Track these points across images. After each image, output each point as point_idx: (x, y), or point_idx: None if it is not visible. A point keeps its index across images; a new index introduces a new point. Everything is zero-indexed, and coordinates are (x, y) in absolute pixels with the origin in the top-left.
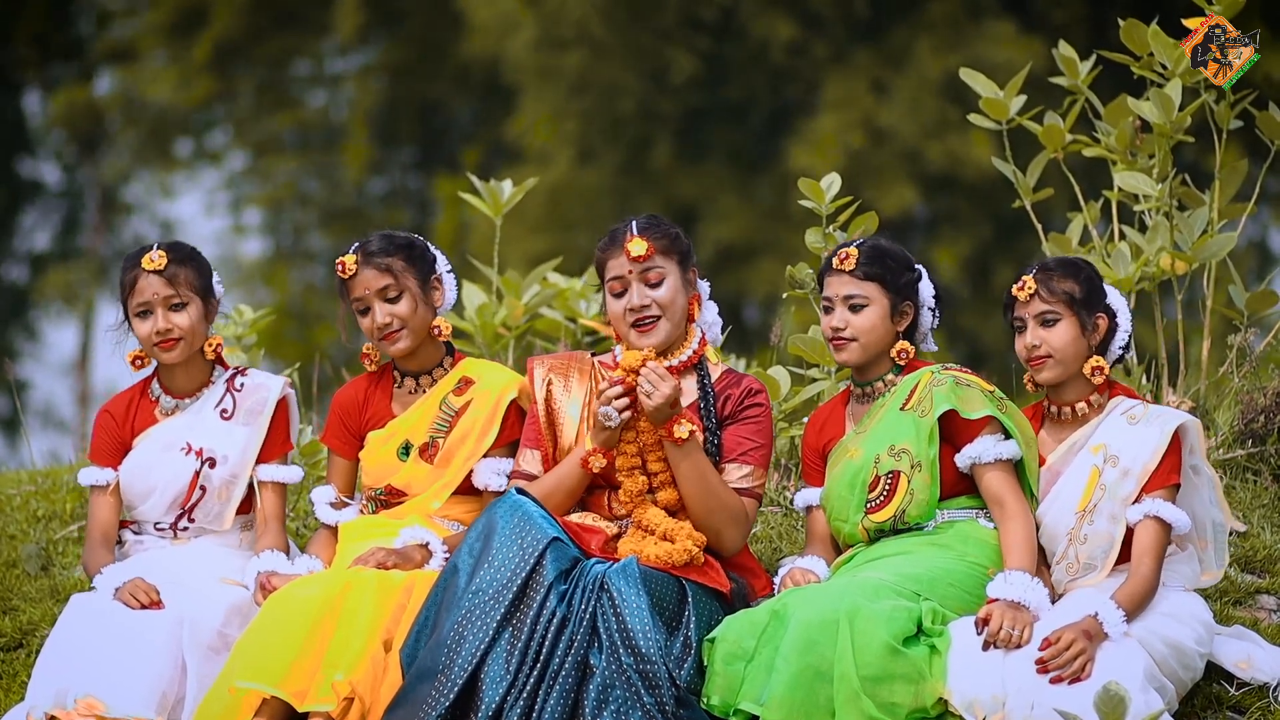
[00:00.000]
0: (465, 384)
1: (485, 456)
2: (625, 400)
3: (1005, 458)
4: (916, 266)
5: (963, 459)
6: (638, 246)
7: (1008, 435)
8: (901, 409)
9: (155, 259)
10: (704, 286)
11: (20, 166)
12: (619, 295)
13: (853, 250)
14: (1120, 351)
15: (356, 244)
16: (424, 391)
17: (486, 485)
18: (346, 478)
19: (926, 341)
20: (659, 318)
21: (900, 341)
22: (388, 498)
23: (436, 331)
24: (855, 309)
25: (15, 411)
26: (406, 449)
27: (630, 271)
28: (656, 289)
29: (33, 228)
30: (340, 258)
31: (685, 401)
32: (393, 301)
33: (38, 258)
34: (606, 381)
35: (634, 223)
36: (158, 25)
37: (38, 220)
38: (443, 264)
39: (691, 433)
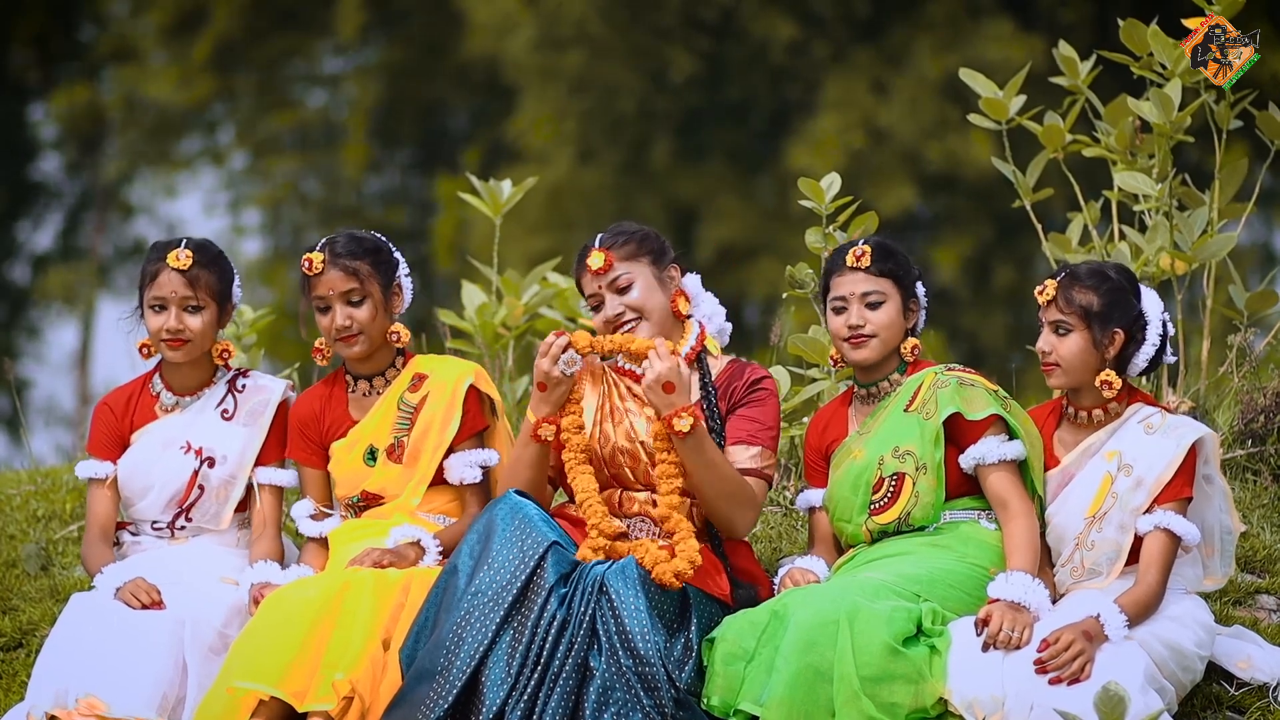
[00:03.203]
0: (419, 380)
1: (453, 451)
2: (573, 353)
3: (1009, 458)
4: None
5: (966, 460)
6: (596, 260)
7: (1012, 435)
8: (905, 410)
9: (182, 258)
10: (694, 279)
11: (22, 167)
12: (598, 309)
13: (866, 247)
14: (1145, 364)
15: (323, 241)
16: (379, 393)
17: (461, 479)
18: (321, 488)
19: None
20: (637, 319)
21: (910, 338)
22: (365, 504)
23: (395, 338)
24: (873, 306)
25: (16, 411)
26: (373, 454)
27: (600, 286)
28: (627, 294)
29: (34, 228)
30: (307, 253)
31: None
32: (355, 305)
33: (38, 258)
34: (548, 342)
35: (598, 237)
36: (158, 25)
37: (39, 220)
38: (403, 268)
39: (693, 425)
